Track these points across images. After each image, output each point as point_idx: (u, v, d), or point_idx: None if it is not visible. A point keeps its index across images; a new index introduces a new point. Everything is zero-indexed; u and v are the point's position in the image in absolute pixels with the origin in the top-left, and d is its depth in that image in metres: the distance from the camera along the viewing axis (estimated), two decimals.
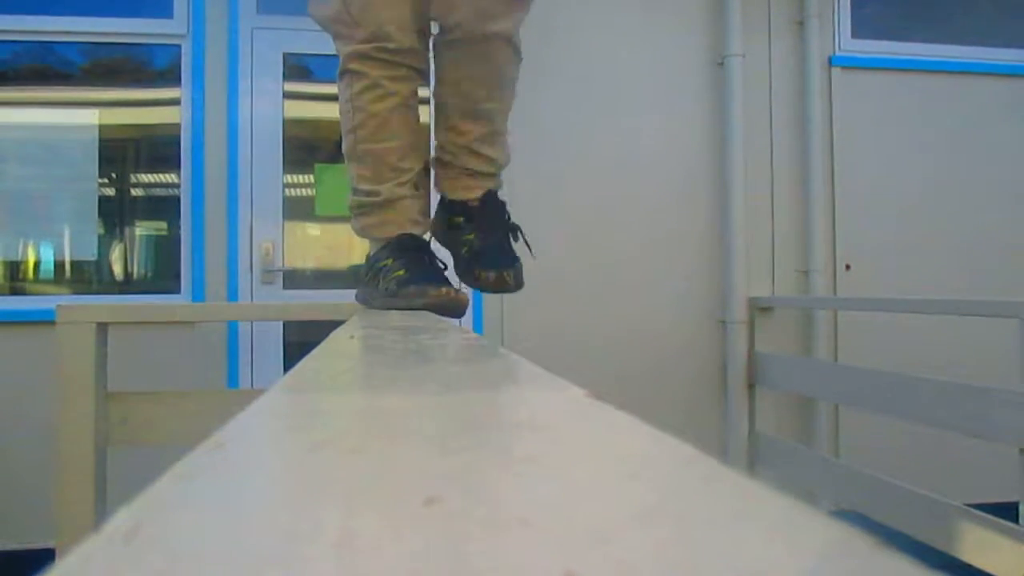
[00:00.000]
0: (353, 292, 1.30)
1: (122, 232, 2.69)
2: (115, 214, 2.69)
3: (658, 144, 2.72)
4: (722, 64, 2.73)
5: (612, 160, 2.65)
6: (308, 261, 2.74)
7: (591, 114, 2.68)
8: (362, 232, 1.26)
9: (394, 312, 1.10)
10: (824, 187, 2.77)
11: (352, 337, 0.62)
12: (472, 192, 1.29)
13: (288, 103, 2.66)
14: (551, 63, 2.67)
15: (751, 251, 2.71)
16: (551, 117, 2.64)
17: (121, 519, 0.14)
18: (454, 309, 1.11)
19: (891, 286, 2.77)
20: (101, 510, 1.08)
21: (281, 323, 2.59)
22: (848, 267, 2.78)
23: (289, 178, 2.68)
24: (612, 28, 2.72)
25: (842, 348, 2.75)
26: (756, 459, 2.60)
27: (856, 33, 2.88)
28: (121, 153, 2.71)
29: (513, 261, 1.23)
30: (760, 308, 2.69)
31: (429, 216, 1.31)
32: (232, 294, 2.53)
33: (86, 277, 2.65)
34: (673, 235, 2.70)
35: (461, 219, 1.28)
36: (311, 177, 2.74)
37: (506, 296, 2.62)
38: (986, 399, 1.61)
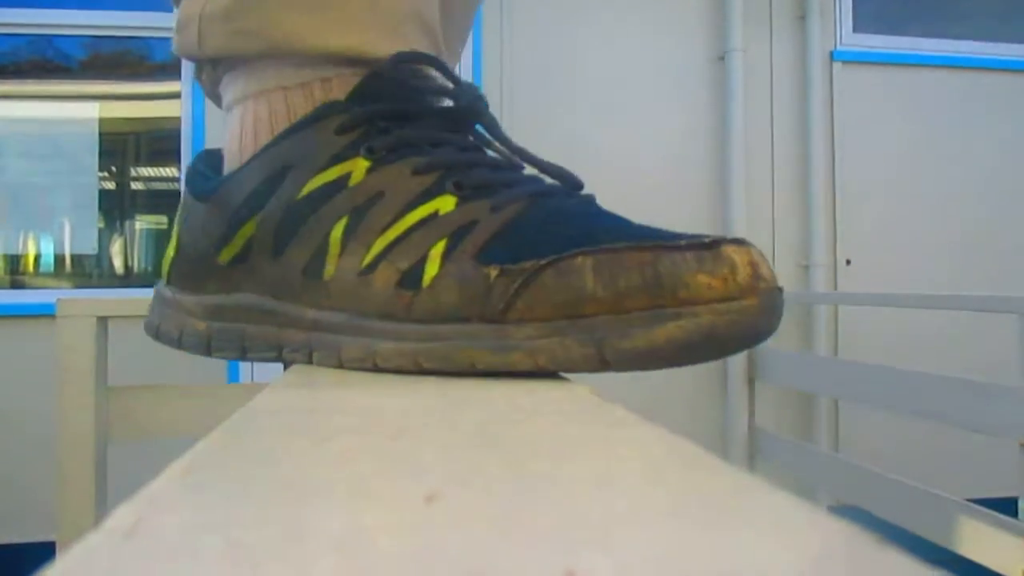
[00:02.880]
0: None
1: (122, 226, 2.69)
2: (115, 208, 2.69)
3: (657, 140, 2.72)
4: (723, 59, 2.72)
5: (610, 156, 2.64)
6: None
7: (588, 111, 2.67)
8: (223, 40, 0.45)
9: None
10: (825, 181, 2.77)
11: None
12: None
13: None
14: (545, 61, 2.66)
15: (755, 243, 2.71)
16: (546, 115, 2.63)
17: (121, 514, 0.14)
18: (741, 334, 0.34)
19: (892, 281, 2.76)
20: (101, 505, 1.08)
21: None
22: (848, 262, 2.78)
23: None
24: (610, 24, 2.72)
25: (842, 343, 2.75)
26: (756, 454, 2.60)
27: (858, 27, 2.88)
28: (121, 147, 2.71)
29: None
30: None
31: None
32: None
33: (86, 271, 2.65)
34: (672, 230, 2.69)
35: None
36: None
37: None
38: (986, 394, 1.61)
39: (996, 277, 2.80)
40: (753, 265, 0.35)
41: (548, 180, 0.43)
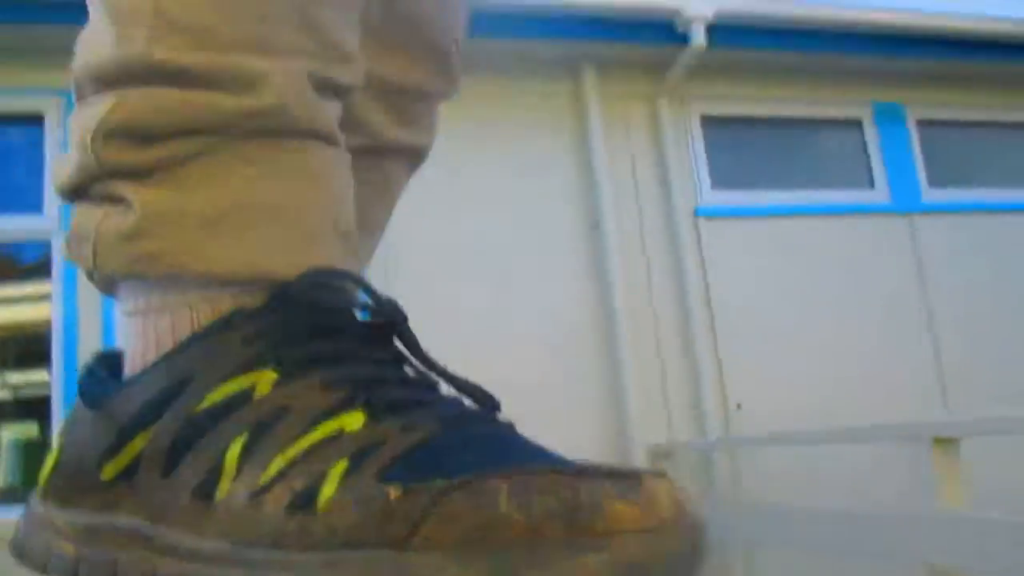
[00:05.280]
0: None
1: None
2: None
3: (542, 308, 2.77)
4: (597, 227, 2.85)
5: (494, 328, 2.66)
6: None
7: (471, 283, 2.70)
8: (135, 264, 0.40)
9: None
10: (706, 331, 2.87)
11: None
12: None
13: None
14: (423, 234, 2.70)
15: (646, 399, 2.74)
16: (431, 281, 2.64)
17: None
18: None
19: (784, 420, 2.82)
20: None
21: None
22: (739, 406, 2.84)
23: None
24: (486, 199, 2.81)
25: (744, 486, 2.76)
26: None
27: (715, 185, 3.08)
28: None
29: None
30: (660, 454, 2.70)
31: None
32: None
33: None
34: (565, 396, 2.70)
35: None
36: None
37: None
38: (890, 523, 1.63)
39: (880, 406, 2.90)
40: (674, 499, 0.33)
41: (466, 401, 0.40)
